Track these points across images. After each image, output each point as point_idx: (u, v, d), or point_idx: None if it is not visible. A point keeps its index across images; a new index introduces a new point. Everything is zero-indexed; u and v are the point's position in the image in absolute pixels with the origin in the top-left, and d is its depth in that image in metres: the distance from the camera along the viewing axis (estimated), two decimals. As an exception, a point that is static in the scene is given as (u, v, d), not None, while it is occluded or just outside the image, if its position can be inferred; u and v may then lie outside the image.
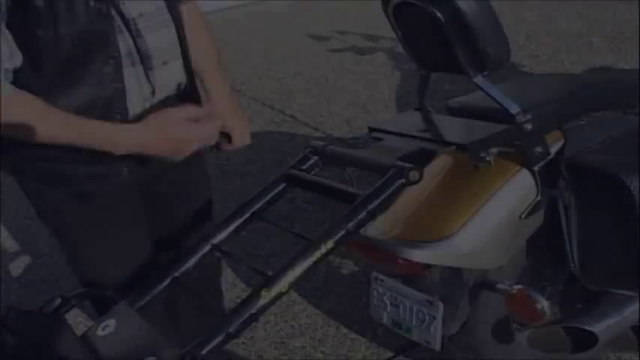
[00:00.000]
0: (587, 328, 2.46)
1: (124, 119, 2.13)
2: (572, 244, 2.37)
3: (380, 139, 2.49)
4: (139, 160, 2.19)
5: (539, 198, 2.33)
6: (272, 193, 2.41)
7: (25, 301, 3.69)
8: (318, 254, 2.05)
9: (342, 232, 2.08)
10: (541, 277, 2.60)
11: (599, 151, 2.37)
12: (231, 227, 2.36)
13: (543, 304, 2.29)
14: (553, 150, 2.35)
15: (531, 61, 6.21)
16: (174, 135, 2.10)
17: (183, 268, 2.26)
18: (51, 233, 2.41)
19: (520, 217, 2.32)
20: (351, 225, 2.09)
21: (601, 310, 2.53)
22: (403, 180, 2.12)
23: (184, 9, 2.36)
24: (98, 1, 2.03)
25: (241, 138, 2.52)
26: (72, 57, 2.02)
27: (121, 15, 2.10)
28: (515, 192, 2.31)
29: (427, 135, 2.43)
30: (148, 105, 2.20)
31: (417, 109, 2.70)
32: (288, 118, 5.60)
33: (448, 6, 2.21)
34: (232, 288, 3.63)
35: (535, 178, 2.32)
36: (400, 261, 2.30)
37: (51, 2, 1.94)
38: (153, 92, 2.22)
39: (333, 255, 2.71)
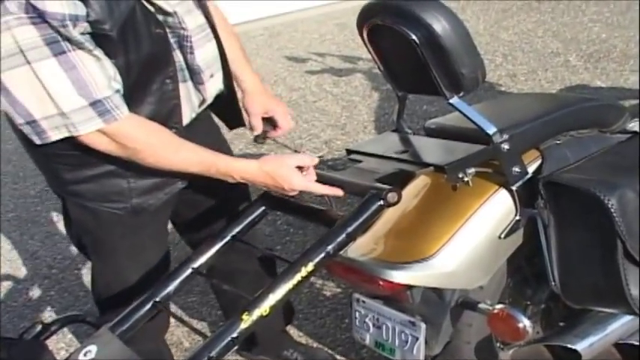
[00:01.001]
0: (570, 346, 2.46)
1: (178, 131, 2.26)
2: (552, 262, 2.37)
3: (358, 161, 2.50)
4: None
5: (518, 217, 2.34)
6: (251, 217, 2.43)
7: (6, 327, 3.66)
8: (298, 277, 2.06)
9: (322, 255, 2.09)
10: (522, 296, 2.61)
11: (577, 169, 2.38)
12: (212, 251, 2.37)
13: (525, 323, 2.29)
14: (531, 169, 2.37)
15: (509, 80, 6.24)
16: (280, 180, 2.20)
17: (164, 293, 2.27)
18: (82, 247, 2.56)
19: (499, 237, 2.33)
20: (330, 247, 2.10)
21: (583, 327, 2.54)
22: (382, 202, 2.14)
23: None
24: (159, 27, 2.16)
25: (287, 122, 2.64)
26: (138, 80, 2.14)
27: (176, 36, 2.23)
28: (494, 212, 2.32)
29: (405, 156, 2.44)
30: (194, 115, 2.37)
31: (394, 131, 2.71)
32: (268, 140, 5.59)
33: (422, 28, 2.22)
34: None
35: (513, 198, 2.33)
36: (381, 282, 2.30)
37: (122, 32, 2.05)
38: (201, 104, 2.38)
39: (315, 277, 2.71)
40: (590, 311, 2.53)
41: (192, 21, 2.28)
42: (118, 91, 2.08)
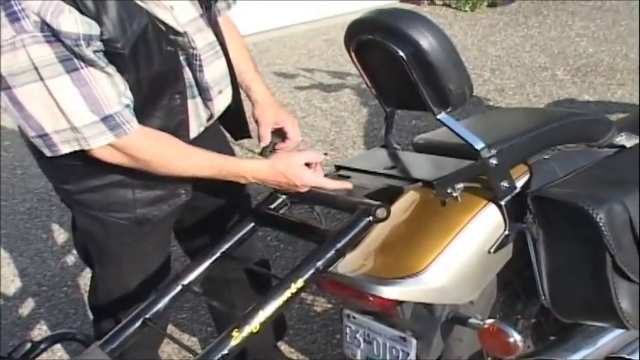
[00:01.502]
0: (560, 360, 2.47)
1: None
2: (542, 276, 2.37)
3: (347, 177, 2.50)
4: (195, 182, 2.39)
5: (507, 232, 2.34)
6: (241, 233, 2.43)
7: (-5, 346, 3.65)
8: (288, 293, 2.06)
9: (312, 271, 2.09)
10: (513, 310, 2.61)
11: (565, 183, 2.38)
12: (202, 268, 2.37)
13: (516, 337, 2.29)
14: (519, 184, 2.37)
15: (497, 94, 6.26)
16: (293, 178, 2.25)
17: (154, 310, 2.27)
18: (85, 254, 2.58)
19: (489, 252, 2.33)
20: (320, 264, 2.10)
21: (574, 342, 2.54)
22: (371, 217, 2.15)
23: (220, 21, 2.51)
24: (170, 45, 2.19)
25: (297, 134, 2.63)
26: (147, 96, 2.18)
27: (186, 54, 2.26)
28: (483, 226, 2.32)
29: (394, 172, 2.45)
30: (202, 129, 2.40)
31: (383, 147, 2.71)
32: (257, 157, 5.58)
33: (409, 44, 2.23)
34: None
35: (502, 212, 2.33)
36: (371, 298, 2.30)
37: (134, 50, 2.09)
38: (209, 119, 2.42)
39: (305, 292, 2.71)
40: (580, 325, 2.53)
41: (202, 39, 2.31)
42: (128, 105, 2.12)
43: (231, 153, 2.65)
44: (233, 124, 2.62)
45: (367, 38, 2.37)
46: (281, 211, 2.44)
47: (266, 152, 2.60)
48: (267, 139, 2.59)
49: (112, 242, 2.44)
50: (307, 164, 2.28)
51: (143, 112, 2.18)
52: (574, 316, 2.43)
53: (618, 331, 2.53)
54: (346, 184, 2.33)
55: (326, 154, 2.51)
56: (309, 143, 5.68)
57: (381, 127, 2.75)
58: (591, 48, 7.25)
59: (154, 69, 2.16)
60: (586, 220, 2.22)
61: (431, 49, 2.22)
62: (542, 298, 2.39)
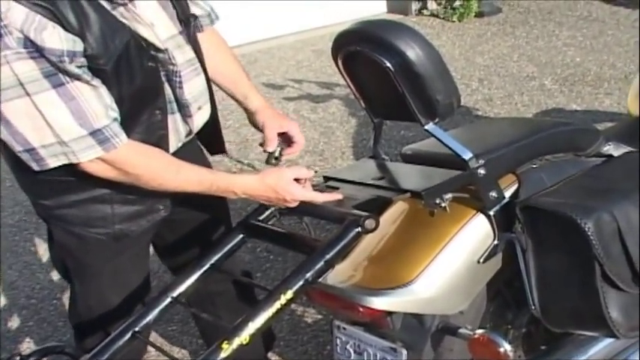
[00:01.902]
0: (551, 370, 2.47)
1: None
2: (532, 286, 2.37)
3: (336, 188, 2.50)
4: (173, 197, 2.39)
5: (496, 242, 2.34)
6: (230, 244, 2.42)
7: (-17, 360, 3.63)
8: (277, 305, 2.06)
9: (301, 282, 2.09)
10: (503, 320, 2.61)
11: (553, 193, 2.38)
12: (191, 280, 2.36)
13: (506, 347, 2.29)
14: (508, 194, 2.37)
15: (485, 104, 6.28)
16: (283, 192, 2.26)
17: (143, 322, 2.27)
18: (64, 270, 2.55)
19: (478, 262, 2.33)
20: (309, 275, 2.10)
21: (565, 351, 2.54)
22: (359, 228, 2.15)
23: (205, 35, 2.52)
24: (151, 61, 2.20)
25: (301, 137, 2.61)
26: (128, 111, 2.17)
27: (166, 70, 2.26)
28: (472, 236, 2.32)
29: (382, 183, 2.44)
30: (180, 144, 2.39)
31: (371, 157, 2.71)
32: (246, 167, 5.60)
33: (396, 55, 2.23)
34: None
35: (491, 222, 2.33)
36: (361, 309, 2.29)
37: (116, 66, 2.10)
38: (188, 134, 2.42)
39: (295, 304, 2.70)
40: (571, 335, 2.53)
41: (182, 56, 2.32)
42: (115, 119, 2.12)
43: (209, 167, 2.64)
44: (209, 138, 2.61)
45: (354, 49, 2.37)
46: (270, 223, 2.44)
47: (271, 159, 2.56)
48: (274, 142, 2.56)
49: (91, 257, 2.42)
50: (297, 179, 2.27)
51: (124, 127, 2.16)
52: (564, 326, 2.43)
53: (609, 341, 2.54)
54: (336, 196, 2.33)
55: (316, 171, 2.50)
56: (298, 154, 5.67)
57: (370, 137, 2.75)
58: (578, 57, 7.28)
59: (135, 85, 2.17)
60: (575, 230, 2.22)
61: (418, 60, 2.22)
62: (532, 307, 2.39)
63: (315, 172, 2.49)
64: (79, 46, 2.01)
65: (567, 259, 2.32)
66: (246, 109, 2.64)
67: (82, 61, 2.03)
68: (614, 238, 2.28)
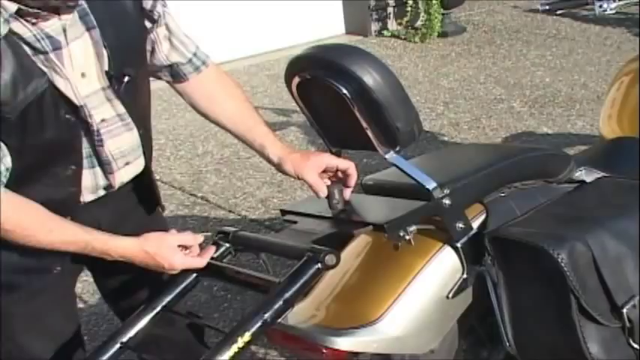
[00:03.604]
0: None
1: (73, 217, 2.23)
2: (505, 322, 2.38)
3: (294, 222, 2.49)
4: (75, 258, 2.31)
5: (465, 275, 2.35)
6: (183, 284, 2.40)
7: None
8: (235, 348, 2.05)
9: (259, 324, 2.08)
10: (477, 358, 2.61)
11: (524, 222, 2.40)
12: (141, 324, 2.34)
13: (481, 387, 2.30)
14: (475, 224, 2.39)
15: (451, 129, 6.32)
16: (161, 260, 2.23)
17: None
18: None
19: (447, 297, 2.34)
20: (267, 316, 2.09)
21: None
22: (319, 265, 2.14)
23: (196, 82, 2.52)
24: (69, 113, 2.16)
25: (345, 164, 2.44)
26: (33, 163, 2.14)
27: (86, 123, 2.21)
28: (439, 270, 2.33)
29: (343, 216, 2.44)
30: (101, 194, 2.34)
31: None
32: (199, 201, 5.58)
33: (353, 82, 2.24)
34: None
35: (459, 255, 2.34)
36: (325, 350, 2.29)
37: (23, 115, 2.06)
38: (109, 187, 2.35)
39: (256, 345, 2.68)
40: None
41: (109, 111, 2.27)
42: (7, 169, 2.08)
43: (158, 218, 2.61)
44: (142, 195, 2.55)
45: (309, 76, 2.38)
46: (225, 260, 2.43)
47: (334, 205, 2.43)
48: (322, 186, 2.42)
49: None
50: (182, 245, 2.26)
51: (27, 179, 2.13)
52: (541, 362, 2.44)
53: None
54: (203, 262, 2.30)
55: (213, 236, 2.46)
56: (255, 185, 5.68)
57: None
58: (548, 78, 7.36)
59: (46, 136, 2.12)
60: (547, 261, 2.24)
61: (376, 86, 2.23)
62: (507, 344, 2.40)
63: (211, 235, 2.47)
64: None
65: (541, 292, 2.33)
66: (269, 161, 2.52)
67: None
68: (590, 269, 2.30)
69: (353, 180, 2.45)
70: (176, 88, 2.57)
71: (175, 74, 2.50)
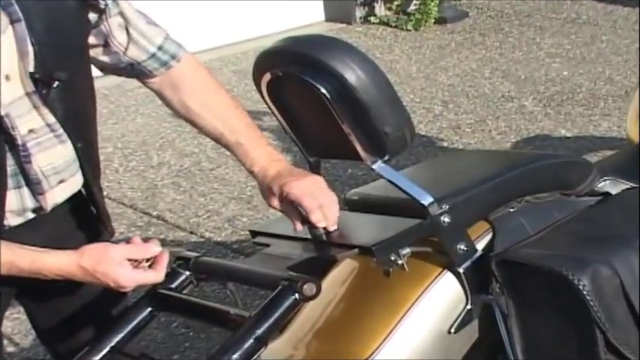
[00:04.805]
0: None
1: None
2: (518, 358, 2.39)
3: (266, 245, 2.50)
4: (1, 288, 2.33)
5: (469, 306, 2.36)
6: (135, 321, 2.40)
7: None
8: (200, 396, 2.05)
9: (227, 367, 2.08)
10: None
11: (537, 243, 2.41)
12: (85, 368, 2.34)
13: None
14: (480, 246, 2.40)
15: (451, 133, 6.33)
16: (103, 277, 2.17)
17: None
18: None
19: (449, 332, 2.35)
20: (236, 356, 2.09)
21: None
22: (297, 295, 2.14)
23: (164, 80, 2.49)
24: None
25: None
26: None
27: (9, 135, 2.18)
28: (438, 301, 2.34)
29: (324, 237, 2.45)
30: (30, 217, 2.32)
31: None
32: (155, 220, 5.57)
33: (333, 79, 2.25)
34: None
35: (461, 282, 2.35)
36: (306, 394, 2.30)
37: None
38: (39, 210, 2.32)
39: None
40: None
41: (36, 120, 2.25)
42: None
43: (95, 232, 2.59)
44: (84, 216, 2.55)
45: (280, 73, 2.39)
46: (185, 292, 2.43)
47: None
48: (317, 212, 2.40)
49: None
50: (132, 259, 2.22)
51: None
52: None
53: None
54: (159, 275, 2.26)
55: (176, 244, 2.46)
56: (221, 202, 5.68)
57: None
58: (566, 71, 7.39)
59: None
60: (566, 288, 2.24)
61: (359, 85, 2.24)
62: (522, 383, 2.41)
63: (172, 245, 2.47)
64: None
65: (560, 325, 2.34)
66: (250, 172, 2.53)
67: None
68: (618, 297, 2.30)
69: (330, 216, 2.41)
70: (146, 85, 2.55)
71: (139, 72, 2.48)
